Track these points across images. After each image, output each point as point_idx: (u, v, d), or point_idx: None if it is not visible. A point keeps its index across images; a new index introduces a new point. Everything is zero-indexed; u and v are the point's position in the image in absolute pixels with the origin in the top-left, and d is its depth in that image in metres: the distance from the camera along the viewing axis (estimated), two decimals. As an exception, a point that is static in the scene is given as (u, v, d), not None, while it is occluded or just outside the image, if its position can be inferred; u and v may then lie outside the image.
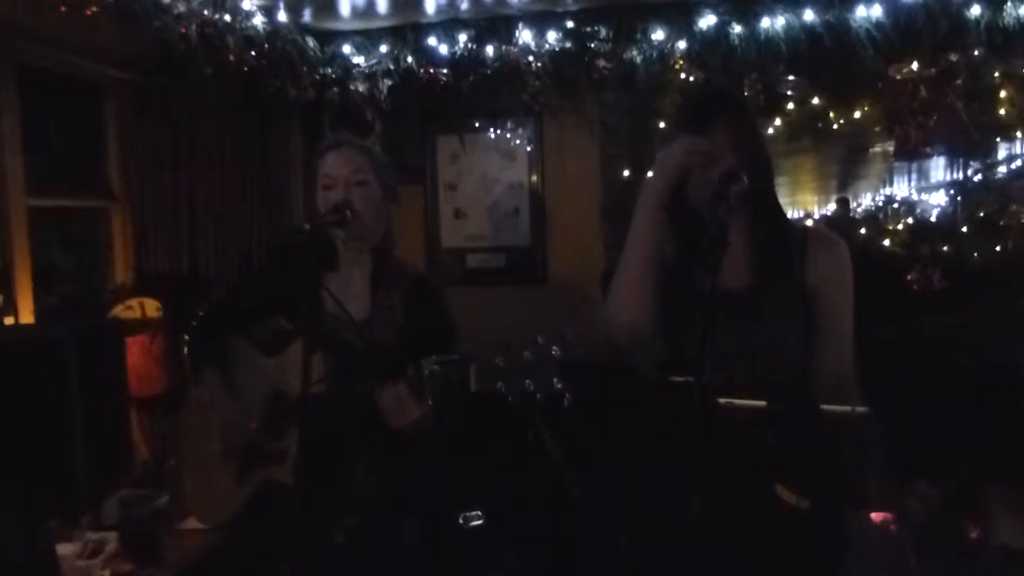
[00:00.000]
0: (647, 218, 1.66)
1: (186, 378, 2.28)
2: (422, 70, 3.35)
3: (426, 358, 1.65)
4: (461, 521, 2.86)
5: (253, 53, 2.93)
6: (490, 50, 3.33)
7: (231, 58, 2.83)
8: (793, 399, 1.60)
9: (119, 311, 2.88)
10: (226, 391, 1.96)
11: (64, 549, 2.21)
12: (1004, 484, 2.63)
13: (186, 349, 2.13)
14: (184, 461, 2.10)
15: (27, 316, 2.54)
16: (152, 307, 2.91)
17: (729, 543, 1.52)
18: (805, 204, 3.37)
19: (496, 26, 3.35)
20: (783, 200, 3.42)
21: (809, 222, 3.23)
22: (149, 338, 2.84)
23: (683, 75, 3.19)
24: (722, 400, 1.46)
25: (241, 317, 2.01)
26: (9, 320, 2.44)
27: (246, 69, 2.93)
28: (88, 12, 2.27)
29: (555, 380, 1.50)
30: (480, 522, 2.86)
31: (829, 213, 3.29)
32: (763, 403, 1.47)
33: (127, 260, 3.10)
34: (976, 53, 2.89)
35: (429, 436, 1.82)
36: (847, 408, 1.45)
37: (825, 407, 1.49)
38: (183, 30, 2.60)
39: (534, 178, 3.75)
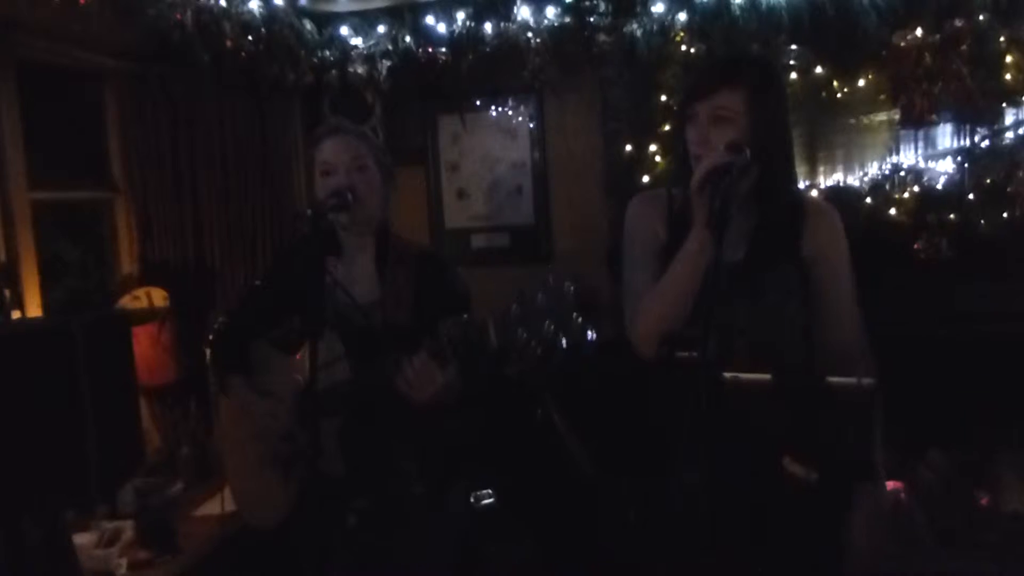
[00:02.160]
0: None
1: (201, 369, 2.30)
2: (421, 50, 3.32)
3: (440, 322, 1.65)
4: (472, 500, 2.88)
5: (250, 38, 2.90)
6: (489, 28, 3.30)
7: (228, 44, 2.81)
8: (798, 372, 1.60)
9: (126, 302, 2.89)
10: (254, 396, 1.98)
11: (81, 539, 2.24)
12: (1013, 451, 2.63)
13: (208, 360, 2.15)
14: (229, 471, 2.13)
15: (34, 309, 2.55)
16: (159, 296, 2.92)
17: (738, 516, 1.53)
18: (810, 175, 3.34)
19: (494, 3, 3.32)
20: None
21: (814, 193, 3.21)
22: (157, 328, 2.86)
23: (684, 47, 3.16)
24: (727, 374, 1.46)
25: (257, 323, 2.03)
26: (16, 314, 2.45)
27: (244, 55, 2.91)
28: (82, 2, 2.26)
29: (575, 315, 1.49)
30: (491, 501, 2.88)
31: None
32: (768, 376, 1.47)
33: (132, 250, 3.10)
34: (981, 18, 2.85)
35: (457, 406, 1.83)
36: (853, 379, 1.45)
37: (831, 379, 1.48)
38: (178, 17, 2.58)
39: (536, 156, 3.73)
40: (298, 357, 1.92)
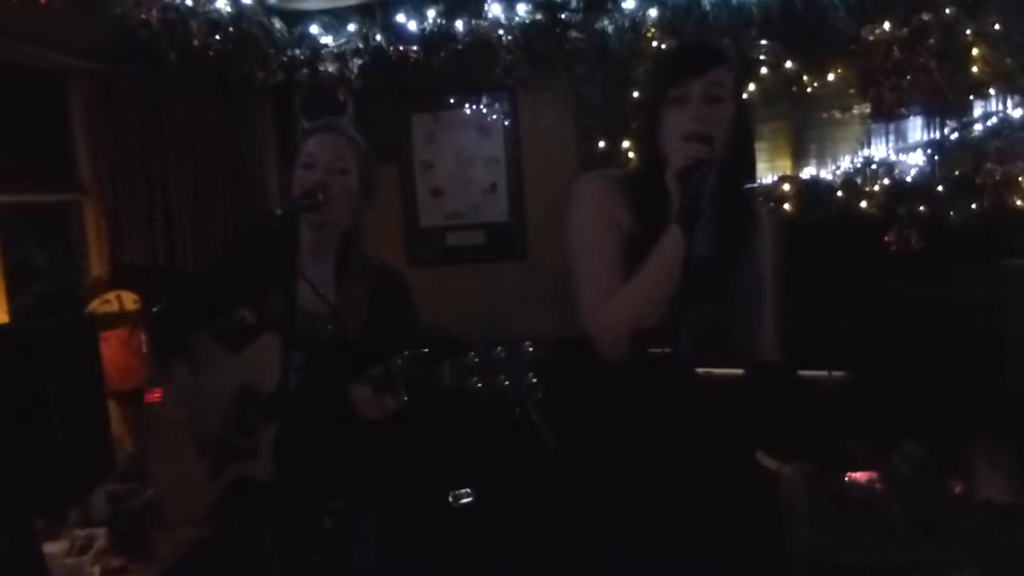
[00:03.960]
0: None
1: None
2: (392, 48, 3.29)
3: (397, 354, 1.64)
4: (451, 500, 2.87)
5: (218, 37, 2.87)
6: (460, 25, 3.27)
7: (196, 42, 2.77)
8: (770, 366, 1.61)
9: (96, 305, 2.86)
10: (192, 388, 1.95)
11: (51, 547, 2.20)
12: (985, 441, 2.66)
13: (145, 345, 2.11)
14: (156, 456, 2.09)
15: (0, 315, 2.51)
16: (130, 300, 2.89)
17: (710, 511, 1.54)
18: (784, 169, 3.36)
19: (465, 0, 3.30)
20: (761, 166, 3.42)
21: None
22: (128, 331, 2.82)
23: (655, 43, 3.16)
24: (700, 370, 1.46)
25: (204, 309, 1.99)
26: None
27: (212, 53, 2.87)
28: (43, 1, 2.22)
29: (529, 375, 1.49)
30: (469, 500, 2.87)
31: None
32: (740, 371, 1.47)
33: (102, 253, 3.06)
34: (948, 12, 2.87)
35: (405, 426, 1.82)
36: (824, 373, 1.46)
37: (803, 372, 1.49)
38: (144, 16, 2.54)
39: (510, 153, 3.72)
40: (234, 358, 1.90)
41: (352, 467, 1.91)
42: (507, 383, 1.49)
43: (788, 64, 3.14)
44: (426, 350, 1.62)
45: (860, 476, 2.65)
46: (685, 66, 1.59)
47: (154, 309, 2.10)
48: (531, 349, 1.50)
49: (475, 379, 1.52)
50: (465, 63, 3.31)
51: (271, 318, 1.84)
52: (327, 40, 3.34)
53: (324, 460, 1.87)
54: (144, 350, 2.40)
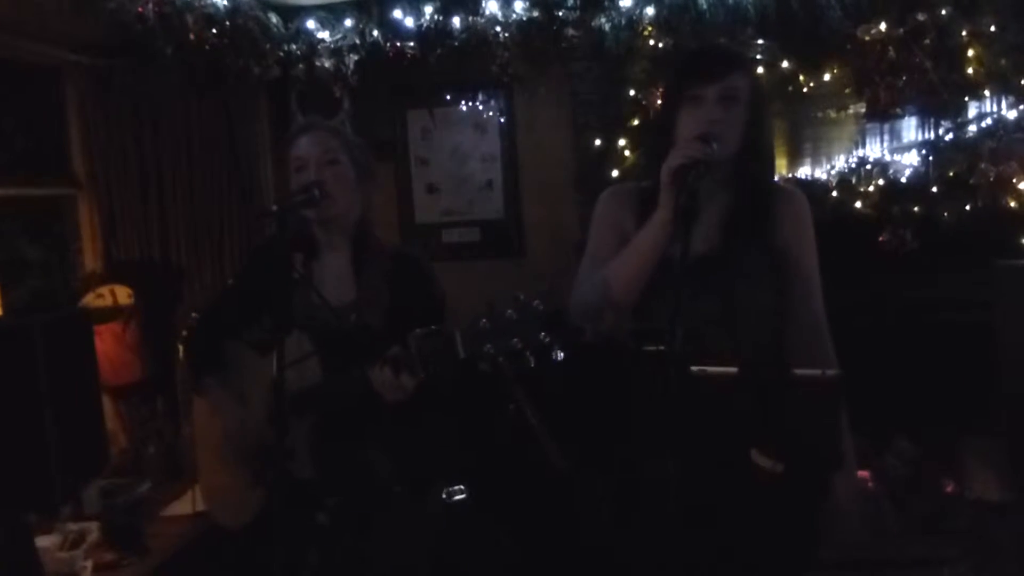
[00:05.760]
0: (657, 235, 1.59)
1: (167, 367, 2.24)
2: (388, 44, 3.29)
3: (411, 333, 1.64)
4: (444, 496, 2.87)
5: (214, 31, 2.86)
6: (457, 22, 3.27)
7: (191, 37, 2.77)
8: (765, 364, 1.61)
9: (90, 300, 2.85)
10: (229, 398, 1.96)
11: (44, 541, 2.20)
12: (977, 439, 2.67)
13: (181, 358, 2.13)
14: (200, 469, 2.10)
15: (-6, 309, 2.50)
16: (124, 294, 2.89)
17: (706, 509, 1.54)
18: (779, 168, 3.37)
19: (462, -3, 3.30)
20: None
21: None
22: (122, 326, 2.82)
23: (652, 42, 3.16)
24: (694, 368, 1.46)
25: (231, 323, 2.01)
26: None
27: (207, 48, 2.87)
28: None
29: (542, 334, 1.49)
30: (463, 496, 2.87)
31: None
32: (735, 369, 1.47)
33: (96, 248, 3.06)
34: (943, 12, 2.88)
35: (434, 407, 1.83)
36: (817, 371, 1.46)
37: (797, 371, 1.49)
38: (139, 10, 2.54)
39: (506, 150, 3.72)
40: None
41: (396, 453, 1.91)
42: (520, 344, 1.49)
43: (784, 63, 3.14)
44: (439, 327, 1.62)
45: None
46: (698, 72, 1.63)
47: (188, 324, 2.11)
48: (541, 307, 1.49)
49: (488, 345, 1.51)
50: (462, 60, 3.30)
51: (297, 317, 1.84)
52: (323, 36, 3.33)
53: (361, 451, 1.87)
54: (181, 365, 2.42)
